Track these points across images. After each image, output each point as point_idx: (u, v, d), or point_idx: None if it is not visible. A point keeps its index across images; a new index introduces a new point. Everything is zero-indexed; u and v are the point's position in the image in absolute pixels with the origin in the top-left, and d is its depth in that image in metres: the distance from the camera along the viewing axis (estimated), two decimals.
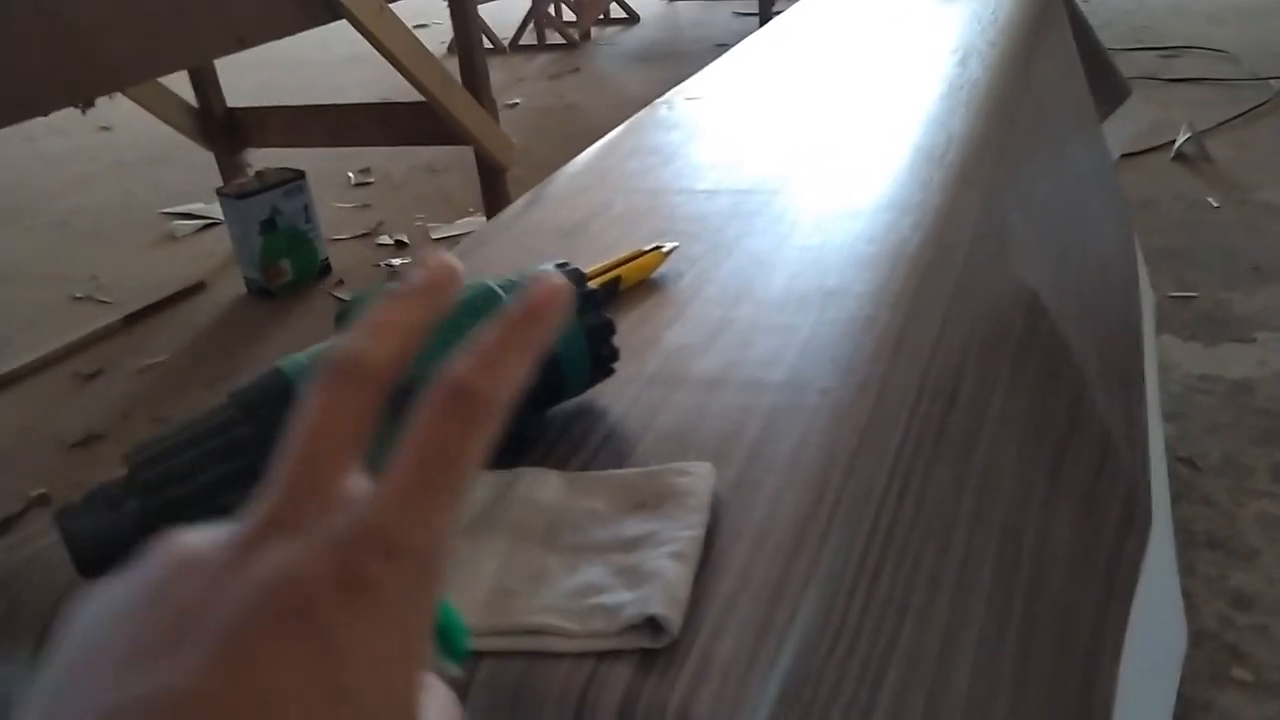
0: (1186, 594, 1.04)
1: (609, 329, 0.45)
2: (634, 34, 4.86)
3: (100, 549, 0.37)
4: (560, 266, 0.46)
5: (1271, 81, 2.83)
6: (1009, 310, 0.71)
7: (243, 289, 2.20)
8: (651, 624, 0.32)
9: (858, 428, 0.45)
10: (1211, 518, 1.18)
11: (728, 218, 0.73)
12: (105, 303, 2.21)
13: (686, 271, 0.65)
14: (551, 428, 0.46)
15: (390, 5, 1.88)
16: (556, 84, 4.00)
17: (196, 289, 2.25)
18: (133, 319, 2.11)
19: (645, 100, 1.07)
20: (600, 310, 0.45)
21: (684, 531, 0.35)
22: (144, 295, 2.18)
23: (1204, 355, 1.54)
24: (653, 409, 0.47)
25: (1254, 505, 1.20)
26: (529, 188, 0.86)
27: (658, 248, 0.65)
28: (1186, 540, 1.13)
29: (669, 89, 1.10)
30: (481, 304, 0.43)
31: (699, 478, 0.39)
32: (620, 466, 0.43)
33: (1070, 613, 0.61)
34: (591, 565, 0.36)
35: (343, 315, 0.48)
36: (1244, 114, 2.63)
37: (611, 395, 0.49)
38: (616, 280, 0.62)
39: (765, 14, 3.76)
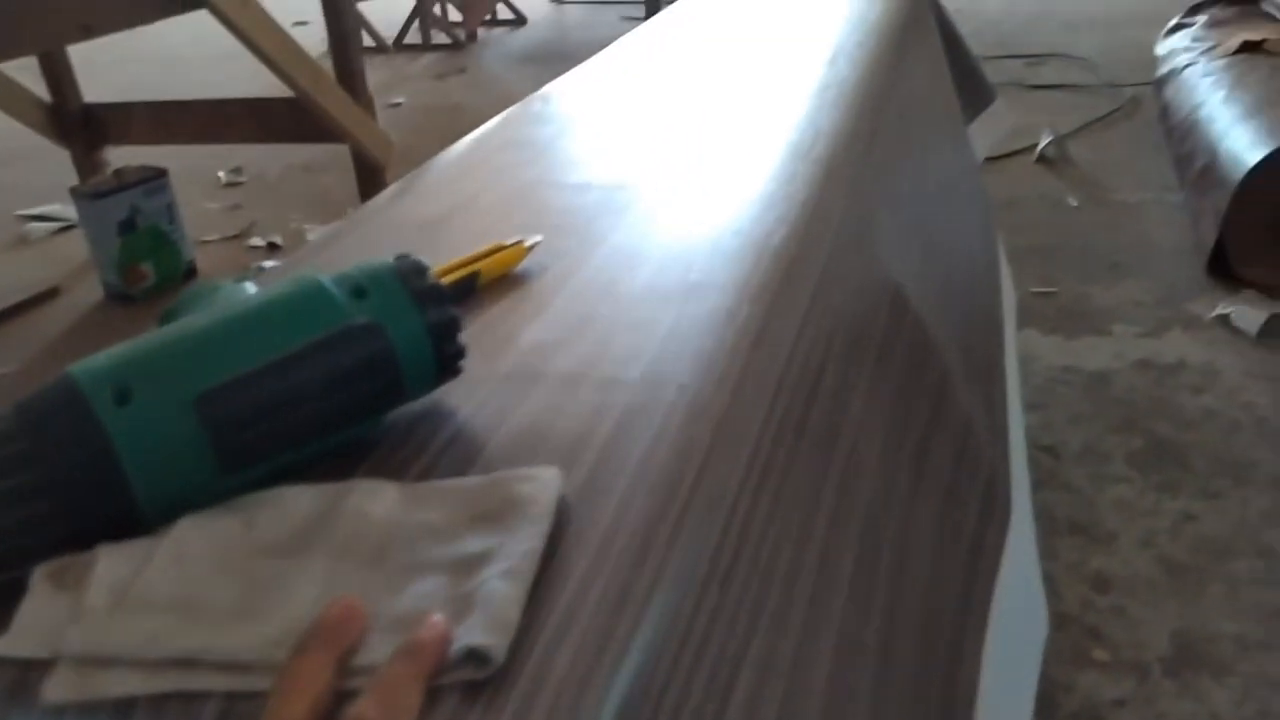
0: (1050, 578, 1.08)
1: (454, 325, 0.43)
2: (521, 35, 4.81)
3: None
4: (401, 259, 0.43)
5: (1125, 89, 3.00)
6: (873, 303, 0.72)
7: (101, 294, 2.06)
8: (474, 655, 0.30)
9: (713, 423, 0.44)
10: (1072, 504, 1.23)
11: (597, 211, 0.71)
12: None
13: (551, 266, 0.63)
14: (393, 431, 0.43)
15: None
16: (442, 84, 3.93)
17: (50, 295, 2.10)
18: None
19: None
20: (446, 306, 0.43)
21: (521, 545, 0.33)
22: None
23: (1065, 348, 1.62)
24: (504, 410, 0.45)
25: (1112, 491, 1.26)
26: None
27: (519, 242, 0.63)
28: (1050, 526, 1.18)
29: None
30: (307, 301, 0.39)
31: (543, 484, 0.37)
32: (465, 472, 0.40)
33: (933, 604, 0.61)
34: (421, 584, 0.33)
35: (167, 316, 0.44)
36: (1101, 119, 2.78)
37: (461, 395, 0.46)
38: (474, 275, 0.59)
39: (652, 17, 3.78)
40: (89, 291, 2.08)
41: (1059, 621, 1.01)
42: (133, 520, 0.35)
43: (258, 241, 2.38)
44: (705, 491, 0.40)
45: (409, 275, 0.42)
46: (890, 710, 0.50)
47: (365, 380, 0.38)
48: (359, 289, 0.41)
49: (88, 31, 1.47)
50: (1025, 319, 1.70)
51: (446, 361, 0.43)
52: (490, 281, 0.60)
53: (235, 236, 2.42)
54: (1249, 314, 1.67)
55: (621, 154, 0.83)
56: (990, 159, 2.44)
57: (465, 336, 0.51)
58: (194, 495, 0.36)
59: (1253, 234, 1.78)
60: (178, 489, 0.35)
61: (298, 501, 0.36)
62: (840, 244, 0.69)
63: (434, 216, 0.73)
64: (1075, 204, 2.24)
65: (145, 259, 2.05)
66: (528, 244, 0.63)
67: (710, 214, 0.69)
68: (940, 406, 0.74)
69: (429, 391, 0.44)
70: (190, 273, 2.15)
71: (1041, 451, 1.32)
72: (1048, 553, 1.12)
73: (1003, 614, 0.72)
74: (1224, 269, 1.81)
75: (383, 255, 0.44)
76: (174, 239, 2.10)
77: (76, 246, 2.30)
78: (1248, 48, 2.32)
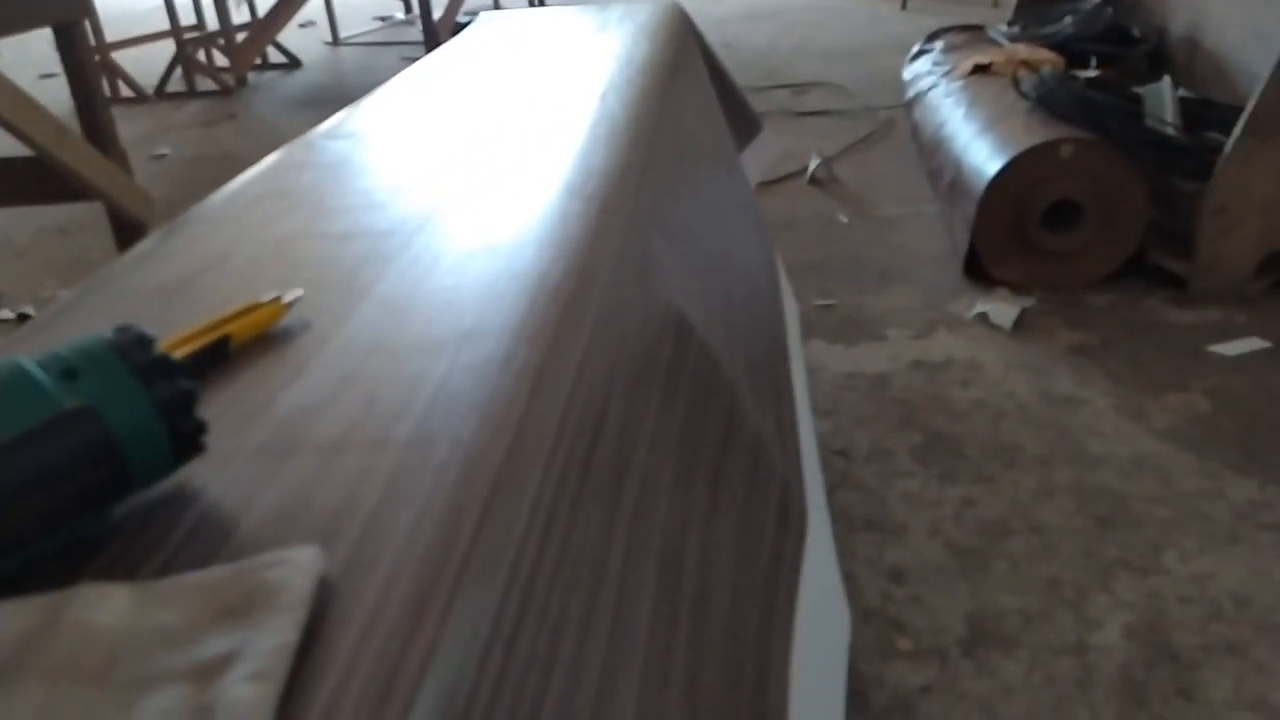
0: (851, 575, 1.13)
1: (188, 400, 0.39)
2: (296, 79, 4.63)
3: None
4: (120, 331, 0.39)
5: (880, 111, 3.26)
6: (657, 333, 0.72)
7: None
8: None
9: (490, 477, 0.42)
10: (865, 501, 1.30)
11: (363, 261, 0.68)
12: None
13: (313, 322, 0.59)
14: (127, 523, 0.39)
15: None
16: (211, 132, 3.71)
17: None
18: None
19: None
20: (176, 379, 0.38)
21: (270, 641, 0.30)
22: None
23: (847, 355, 1.72)
24: (256, 486, 0.41)
25: (899, 485, 1.34)
26: None
27: (277, 298, 0.59)
28: (847, 525, 1.24)
29: None
30: (4, 389, 0.34)
31: (297, 567, 0.33)
32: (210, 562, 0.36)
33: (738, 623, 0.62)
34: (156, 699, 0.29)
35: None
36: (862, 140, 3.00)
37: (208, 474, 0.42)
38: (225, 339, 0.55)
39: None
40: None
41: (864, 616, 1.06)
42: None
43: (6, 314, 2.15)
44: (483, 551, 0.38)
45: (129, 349, 0.38)
46: None
47: (81, 473, 0.34)
48: (70, 370, 0.36)
49: None
50: (810, 331, 1.79)
51: (183, 440, 0.39)
52: (245, 344, 0.56)
53: None
54: (1003, 310, 1.83)
55: (390, 200, 0.80)
56: (766, 183, 2.57)
57: (211, 408, 0.47)
58: None
59: (999, 237, 1.97)
60: None
61: (7, 619, 0.31)
62: (619, 278, 0.69)
63: (182, 277, 0.67)
64: (845, 220, 2.40)
65: None
66: (286, 300, 0.59)
67: (484, 258, 0.67)
68: (731, 427, 0.76)
69: (167, 475, 0.39)
70: None
71: (835, 455, 1.39)
72: (847, 551, 1.17)
73: (807, 621, 0.75)
74: (978, 271, 1.99)
75: (114, 326, 0.40)
76: None
77: None
78: (979, 70, 2.57)
